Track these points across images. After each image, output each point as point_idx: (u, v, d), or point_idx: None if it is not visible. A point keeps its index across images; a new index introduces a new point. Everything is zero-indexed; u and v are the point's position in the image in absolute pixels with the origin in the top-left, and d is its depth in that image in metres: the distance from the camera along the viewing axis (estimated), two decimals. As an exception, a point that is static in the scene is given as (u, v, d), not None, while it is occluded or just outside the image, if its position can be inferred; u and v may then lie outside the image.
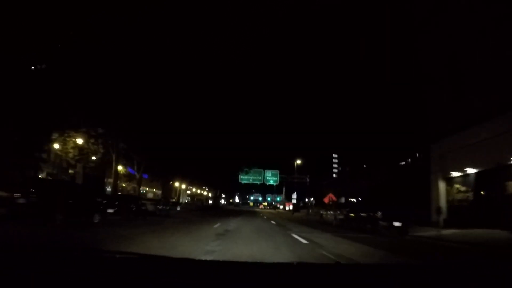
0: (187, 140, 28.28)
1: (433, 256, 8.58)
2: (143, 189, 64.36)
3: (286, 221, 22.87)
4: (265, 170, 49.16)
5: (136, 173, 35.31)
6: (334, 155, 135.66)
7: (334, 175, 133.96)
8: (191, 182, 68.39)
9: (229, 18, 16.87)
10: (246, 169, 45.95)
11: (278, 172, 49.68)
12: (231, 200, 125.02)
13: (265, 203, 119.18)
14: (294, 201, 57.28)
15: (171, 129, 26.55)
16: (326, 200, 29.44)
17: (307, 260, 6.24)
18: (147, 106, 22.52)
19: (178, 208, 33.17)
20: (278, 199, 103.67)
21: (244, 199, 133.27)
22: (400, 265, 2.75)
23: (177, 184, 54.60)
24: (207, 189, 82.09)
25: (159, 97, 21.06)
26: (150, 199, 20.72)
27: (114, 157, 29.30)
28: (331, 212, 19.53)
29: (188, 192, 74.27)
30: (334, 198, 29.63)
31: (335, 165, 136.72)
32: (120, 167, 36.13)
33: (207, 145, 31.12)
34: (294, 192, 56.55)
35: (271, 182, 49.84)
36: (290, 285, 1.46)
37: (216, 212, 35.25)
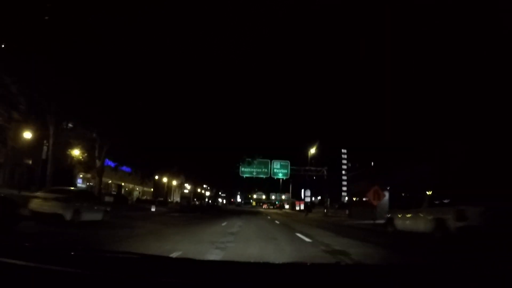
0: (176, 125, 24.01)
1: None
2: (136, 187, 55.23)
3: (317, 230, 13.06)
4: (273, 161, 39.10)
5: (97, 161, 25.65)
6: (343, 151, 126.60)
7: (344, 172, 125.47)
8: (187, 179, 60.34)
9: (229, 18, 16.93)
10: (249, 159, 35.98)
11: (288, 163, 39.57)
12: (232, 200, 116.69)
13: (269, 202, 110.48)
14: (307, 199, 46.85)
15: (153, 106, 21.51)
16: (370, 195, 19.76)
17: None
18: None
19: (153, 209, 23.38)
20: (284, 197, 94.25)
21: (246, 199, 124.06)
22: (400, 265, 2.50)
23: (165, 179, 44.87)
24: (204, 186, 73.65)
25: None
26: (54, 191, 10.35)
27: (51, 129, 19.82)
28: (421, 215, 9.62)
29: (186, 191, 65.67)
30: (380, 193, 20.09)
31: (344, 161, 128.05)
32: (77, 152, 26.61)
33: (202, 134, 26.28)
34: (306, 189, 46.10)
35: (280, 176, 39.62)
36: (290, 285, 1.45)
37: (207, 214, 25.43)
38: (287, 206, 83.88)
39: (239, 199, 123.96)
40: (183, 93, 22.00)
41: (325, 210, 44.85)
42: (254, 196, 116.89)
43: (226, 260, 3.68)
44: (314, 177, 41.53)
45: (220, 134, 28.89)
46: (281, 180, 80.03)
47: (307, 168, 41.27)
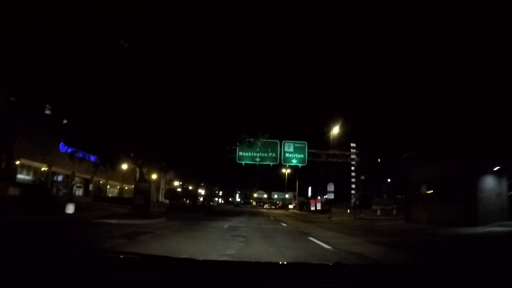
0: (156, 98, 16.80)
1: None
2: (115, 183, 44.25)
3: None
4: (283, 142, 27.76)
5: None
6: (352, 144, 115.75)
7: (352, 168, 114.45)
8: (178, 177, 50.27)
9: (229, 18, 16.16)
10: (250, 139, 24.41)
11: (305, 144, 28.18)
12: (230, 199, 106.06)
13: (271, 202, 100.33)
14: (330, 195, 35.51)
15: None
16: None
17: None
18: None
19: (69, 211, 12.07)
20: (287, 196, 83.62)
21: (246, 198, 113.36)
22: (400, 265, 2.49)
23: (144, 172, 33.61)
24: (201, 184, 63.20)
25: None
26: None
27: None
28: None
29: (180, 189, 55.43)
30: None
31: (353, 156, 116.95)
32: None
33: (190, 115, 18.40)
34: (329, 183, 34.62)
35: (294, 162, 28.15)
36: (290, 285, 1.43)
37: (176, 221, 14.12)
38: (291, 206, 74.37)
39: (238, 199, 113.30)
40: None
41: (349, 211, 33.85)
42: (255, 195, 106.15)
43: (226, 260, 3.67)
44: (339, 164, 30.49)
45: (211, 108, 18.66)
46: (286, 175, 69.03)
47: (330, 152, 30.00)
